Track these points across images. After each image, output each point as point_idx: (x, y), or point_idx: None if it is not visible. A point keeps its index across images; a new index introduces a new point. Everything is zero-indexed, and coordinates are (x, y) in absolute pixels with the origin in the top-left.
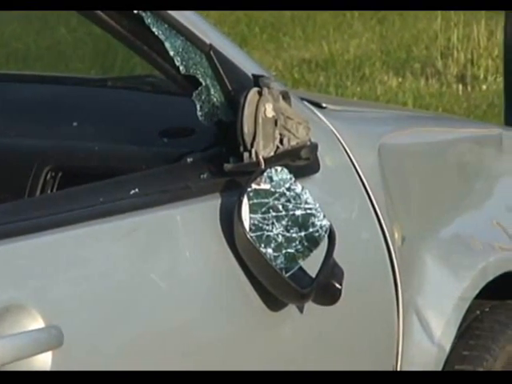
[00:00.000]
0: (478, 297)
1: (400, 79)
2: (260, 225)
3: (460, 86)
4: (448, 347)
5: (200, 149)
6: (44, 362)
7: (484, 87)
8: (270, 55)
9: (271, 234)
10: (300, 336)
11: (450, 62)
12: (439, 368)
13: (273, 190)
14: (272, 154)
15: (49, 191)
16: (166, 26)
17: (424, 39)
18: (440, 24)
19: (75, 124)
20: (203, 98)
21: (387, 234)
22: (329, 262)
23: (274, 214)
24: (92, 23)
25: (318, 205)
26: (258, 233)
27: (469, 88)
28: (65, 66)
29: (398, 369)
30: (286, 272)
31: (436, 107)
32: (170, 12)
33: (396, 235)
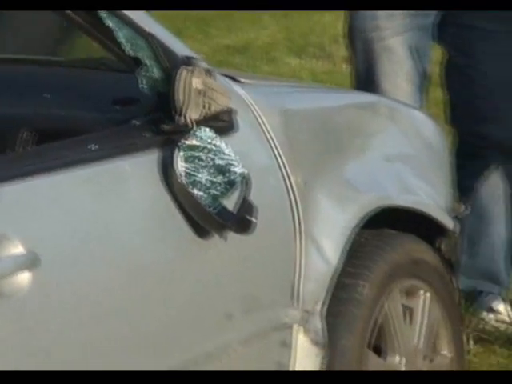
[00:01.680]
0: (360, 227)
1: (299, 60)
2: (190, 172)
3: (345, 66)
4: (337, 266)
5: (144, 114)
6: (25, 279)
7: None
8: (200, 43)
9: (199, 179)
10: (223, 258)
11: (338, 46)
12: (330, 281)
13: (200, 145)
14: (199, 117)
15: (27, 148)
16: (116, 18)
17: (317, 29)
18: (329, 17)
19: (46, 95)
20: (145, 74)
21: (291, 180)
22: (245, 201)
23: (201, 163)
24: (58, 17)
25: (236, 156)
26: (189, 178)
27: None
28: (38, 51)
29: (298, 283)
30: (212, 208)
31: (328, 82)
32: None
33: (296, 180)
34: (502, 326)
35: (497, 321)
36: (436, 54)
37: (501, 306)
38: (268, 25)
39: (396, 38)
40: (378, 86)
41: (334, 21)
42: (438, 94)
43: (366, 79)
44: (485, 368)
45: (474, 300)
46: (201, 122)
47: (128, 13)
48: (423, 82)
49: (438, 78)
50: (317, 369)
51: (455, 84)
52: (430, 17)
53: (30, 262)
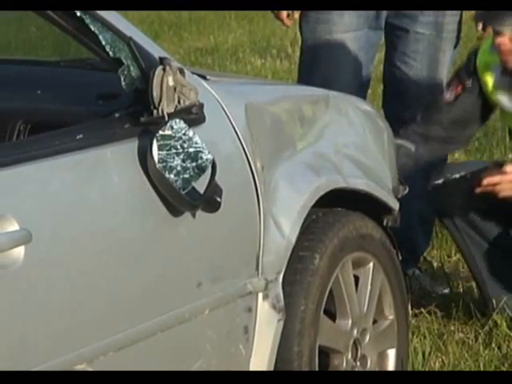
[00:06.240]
0: (314, 206)
1: (263, 60)
2: (165, 158)
3: None
4: (294, 240)
5: (124, 108)
6: (19, 253)
7: None
8: (175, 45)
9: (173, 164)
10: (194, 233)
11: (297, 48)
12: (288, 254)
13: (173, 134)
14: (173, 110)
15: (21, 137)
16: (100, 24)
17: (279, 33)
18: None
19: (39, 92)
20: (125, 73)
21: (252, 164)
22: (212, 183)
23: (174, 151)
24: (52, 24)
25: (204, 144)
26: (164, 164)
27: None
28: (35, 54)
29: (260, 256)
30: (183, 190)
31: (287, 79)
32: (102, 14)
33: (258, 165)
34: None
35: None
36: (379, 54)
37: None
38: (234, 29)
39: (346, 34)
40: (322, 75)
41: (293, 25)
42: (380, 89)
43: (312, 68)
44: None
45: None
46: (174, 115)
47: (110, 19)
48: (367, 79)
49: (381, 75)
50: (276, 332)
51: (391, 79)
52: (381, 19)
53: (23, 237)
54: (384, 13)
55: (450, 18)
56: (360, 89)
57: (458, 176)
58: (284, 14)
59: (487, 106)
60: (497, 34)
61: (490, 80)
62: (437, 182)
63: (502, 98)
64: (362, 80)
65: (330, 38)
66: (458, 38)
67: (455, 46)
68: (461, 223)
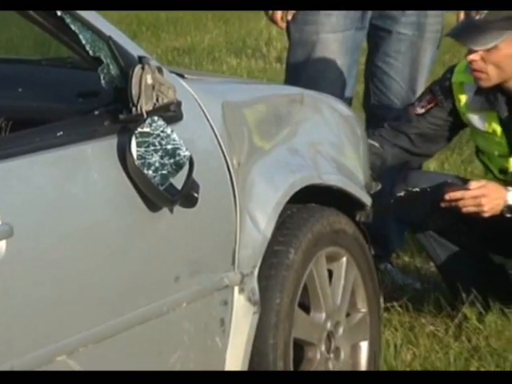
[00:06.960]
0: (289, 202)
1: (238, 60)
2: (143, 155)
3: (278, 65)
4: (269, 235)
5: (103, 105)
6: (0, 247)
7: None
8: (153, 45)
9: (151, 161)
10: (171, 228)
11: (271, 48)
12: (263, 249)
13: (152, 132)
14: (151, 108)
15: (3, 134)
16: (80, 23)
17: (254, 33)
18: (264, 23)
19: (20, 90)
20: (105, 71)
21: (228, 161)
22: (190, 179)
23: (152, 148)
24: (33, 23)
25: (182, 141)
26: (142, 160)
27: (284, 66)
28: (16, 53)
29: (237, 250)
30: (162, 186)
31: (262, 79)
32: (82, 14)
33: (234, 162)
34: None
35: None
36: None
37: (382, 266)
38: (211, 29)
39: (333, 34)
40: (308, 75)
41: (268, 26)
42: (359, 88)
43: (298, 68)
44: None
45: None
46: (152, 113)
47: (89, 19)
48: (353, 80)
49: (359, 75)
50: (252, 325)
51: (373, 79)
52: (366, 20)
53: (5, 232)
54: (368, 13)
55: (433, 18)
56: (346, 89)
57: (418, 189)
58: (278, 16)
59: (457, 124)
60: (469, 51)
61: (463, 99)
62: (399, 194)
63: (473, 118)
64: (349, 80)
65: (316, 38)
66: (440, 37)
67: (438, 46)
68: (427, 231)
